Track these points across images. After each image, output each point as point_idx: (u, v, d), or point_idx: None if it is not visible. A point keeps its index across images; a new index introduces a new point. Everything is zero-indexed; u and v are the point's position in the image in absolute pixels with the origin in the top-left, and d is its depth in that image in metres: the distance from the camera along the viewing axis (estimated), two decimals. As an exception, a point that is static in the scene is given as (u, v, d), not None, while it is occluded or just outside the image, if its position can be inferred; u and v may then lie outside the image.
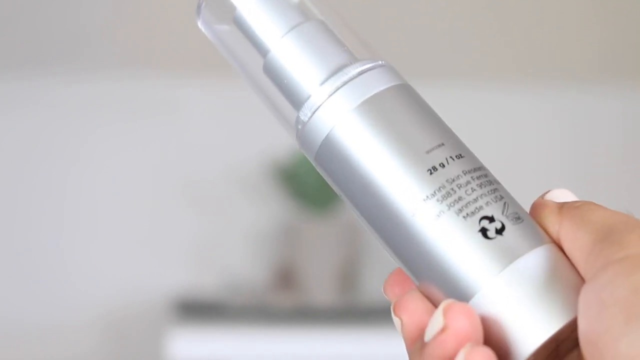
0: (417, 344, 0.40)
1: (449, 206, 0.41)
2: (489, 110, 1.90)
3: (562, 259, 0.40)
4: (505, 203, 0.41)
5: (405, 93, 0.43)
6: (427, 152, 0.42)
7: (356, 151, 0.42)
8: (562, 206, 0.41)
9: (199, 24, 0.47)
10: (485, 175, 0.42)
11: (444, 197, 0.41)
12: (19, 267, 1.83)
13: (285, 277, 1.80)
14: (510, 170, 1.88)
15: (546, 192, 0.43)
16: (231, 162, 1.83)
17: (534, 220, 0.42)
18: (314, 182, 1.74)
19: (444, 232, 0.41)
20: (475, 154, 0.43)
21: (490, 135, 1.89)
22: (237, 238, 1.85)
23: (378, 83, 0.43)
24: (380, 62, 0.44)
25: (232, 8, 0.46)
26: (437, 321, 0.39)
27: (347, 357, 1.63)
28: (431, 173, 0.41)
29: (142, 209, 1.84)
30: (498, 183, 0.42)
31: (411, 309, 0.41)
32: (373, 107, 0.42)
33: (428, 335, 0.39)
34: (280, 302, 1.74)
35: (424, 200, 0.41)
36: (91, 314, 1.82)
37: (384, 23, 1.87)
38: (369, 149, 0.42)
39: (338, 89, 0.43)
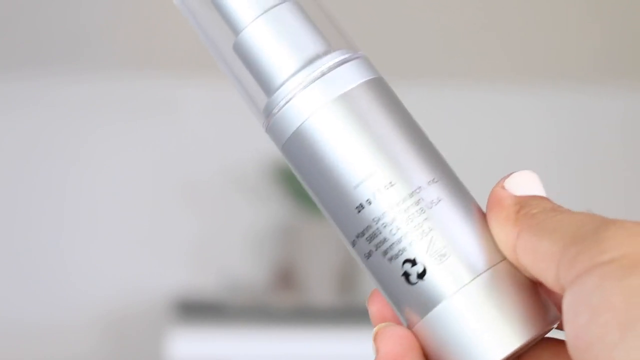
0: None
1: (376, 247, 0.40)
2: (488, 110, 1.90)
3: (495, 286, 0.39)
4: (432, 238, 0.40)
5: (373, 92, 0.42)
6: (355, 187, 0.41)
7: (317, 154, 0.41)
8: (519, 211, 0.40)
9: None
10: (418, 202, 0.40)
11: (371, 238, 0.40)
12: (19, 267, 1.83)
13: (285, 277, 1.80)
14: (509, 171, 1.88)
15: (507, 177, 0.41)
16: (231, 162, 1.83)
17: (481, 238, 0.40)
18: (313, 182, 1.74)
19: (374, 271, 0.41)
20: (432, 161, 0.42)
21: (489, 135, 1.89)
22: (237, 238, 1.85)
23: (351, 78, 0.42)
24: (354, 53, 0.43)
25: None
26: (372, 345, 0.40)
27: (347, 357, 1.63)
28: (359, 211, 0.41)
29: (142, 209, 1.84)
30: (436, 203, 0.40)
31: (377, 302, 0.42)
32: (339, 110, 0.41)
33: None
34: (280, 302, 1.74)
35: (356, 237, 0.41)
36: (91, 314, 1.82)
37: (383, 24, 1.87)
38: (326, 157, 0.41)
39: (312, 81, 0.42)
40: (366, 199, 0.40)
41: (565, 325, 0.36)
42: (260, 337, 1.65)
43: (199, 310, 1.74)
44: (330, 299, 1.75)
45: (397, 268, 0.40)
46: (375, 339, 0.40)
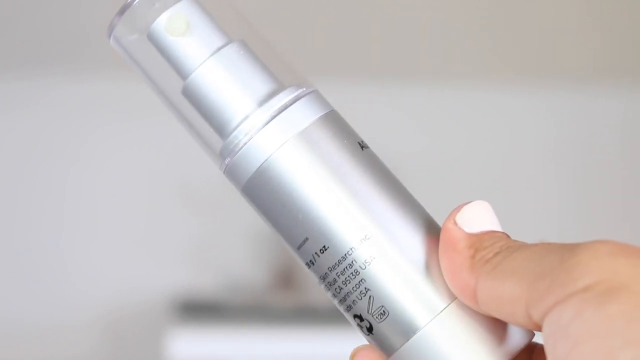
0: None
1: (333, 296, 0.42)
2: (488, 110, 1.90)
3: (437, 342, 0.39)
4: (370, 297, 0.40)
5: (326, 130, 0.42)
6: (298, 248, 0.41)
7: (266, 208, 0.42)
8: (473, 256, 0.38)
9: (111, 41, 0.45)
10: (351, 265, 0.40)
11: (326, 289, 0.42)
12: (19, 267, 1.83)
13: (285, 277, 1.80)
14: (509, 171, 1.88)
15: (458, 210, 0.40)
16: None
17: (424, 288, 0.40)
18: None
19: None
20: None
21: (489, 135, 1.89)
22: (237, 238, 1.85)
23: (305, 115, 0.41)
24: (305, 89, 0.42)
25: (147, 23, 0.43)
26: None
27: (347, 357, 1.63)
28: (309, 267, 0.42)
29: (141, 209, 1.84)
30: (369, 263, 0.40)
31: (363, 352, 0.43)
32: (293, 154, 0.41)
33: None
34: (280, 302, 1.74)
35: (318, 284, 0.42)
36: (91, 314, 1.82)
37: (383, 24, 1.87)
38: (272, 216, 0.42)
39: (267, 122, 0.41)
40: (309, 260, 0.41)
41: (547, 352, 0.35)
42: (260, 337, 1.65)
43: (199, 310, 1.74)
44: (330, 299, 1.75)
45: (352, 319, 0.42)
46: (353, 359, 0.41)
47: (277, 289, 1.79)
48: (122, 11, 0.43)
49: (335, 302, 0.42)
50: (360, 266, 0.40)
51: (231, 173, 0.42)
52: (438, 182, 1.74)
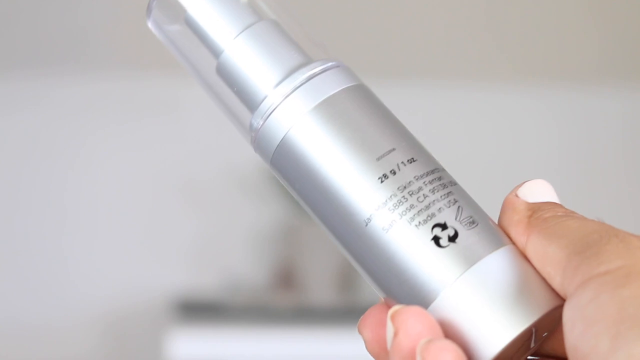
0: (382, 356, 0.40)
1: (401, 215, 0.40)
2: (488, 110, 1.90)
3: (520, 260, 0.40)
4: (459, 207, 0.41)
5: (360, 94, 0.43)
6: (378, 159, 0.41)
7: (310, 157, 0.42)
8: (531, 216, 0.40)
9: (149, 24, 0.46)
10: (439, 179, 0.41)
11: (396, 206, 0.40)
12: (19, 267, 1.83)
13: (286, 277, 1.80)
14: (509, 170, 1.88)
15: (520, 185, 0.42)
16: (231, 162, 1.83)
17: (494, 223, 0.41)
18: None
19: (397, 242, 0.40)
20: (435, 155, 0.43)
21: (489, 135, 1.89)
22: (237, 238, 1.85)
23: (333, 84, 0.43)
24: (335, 63, 0.43)
25: (183, 8, 0.45)
26: (389, 329, 0.39)
27: (346, 357, 1.63)
28: (382, 181, 0.41)
29: (142, 209, 1.84)
30: (453, 185, 0.41)
31: (371, 325, 0.41)
32: (327, 111, 0.42)
33: (388, 344, 0.39)
34: (280, 302, 1.74)
35: (376, 209, 0.41)
36: (91, 314, 1.82)
37: (384, 24, 1.87)
38: (321, 156, 0.41)
39: (293, 90, 0.42)
40: (390, 170, 0.41)
41: (565, 336, 0.37)
42: (260, 337, 1.65)
43: (199, 310, 1.74)
44: (330, 299, 1.75)
45: (427, 233, 0.40)
46: (394, 320, 0.39)
47: (277, 289, 1.79)
48: None
49: (406, 218, 0.40)
50: (448, 182, 0.41)
51: (258, 144, 0.43)
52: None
